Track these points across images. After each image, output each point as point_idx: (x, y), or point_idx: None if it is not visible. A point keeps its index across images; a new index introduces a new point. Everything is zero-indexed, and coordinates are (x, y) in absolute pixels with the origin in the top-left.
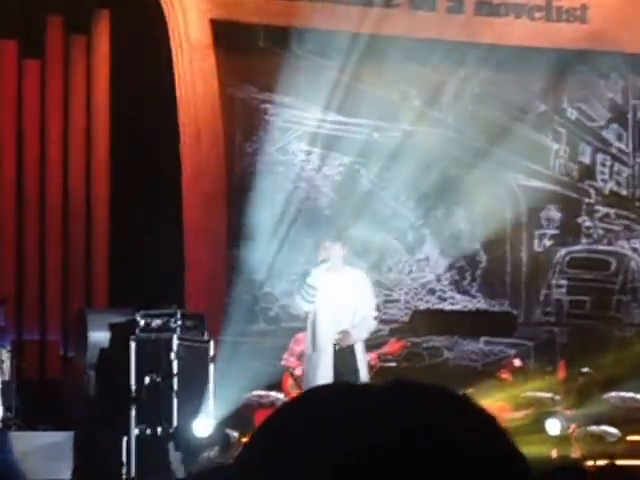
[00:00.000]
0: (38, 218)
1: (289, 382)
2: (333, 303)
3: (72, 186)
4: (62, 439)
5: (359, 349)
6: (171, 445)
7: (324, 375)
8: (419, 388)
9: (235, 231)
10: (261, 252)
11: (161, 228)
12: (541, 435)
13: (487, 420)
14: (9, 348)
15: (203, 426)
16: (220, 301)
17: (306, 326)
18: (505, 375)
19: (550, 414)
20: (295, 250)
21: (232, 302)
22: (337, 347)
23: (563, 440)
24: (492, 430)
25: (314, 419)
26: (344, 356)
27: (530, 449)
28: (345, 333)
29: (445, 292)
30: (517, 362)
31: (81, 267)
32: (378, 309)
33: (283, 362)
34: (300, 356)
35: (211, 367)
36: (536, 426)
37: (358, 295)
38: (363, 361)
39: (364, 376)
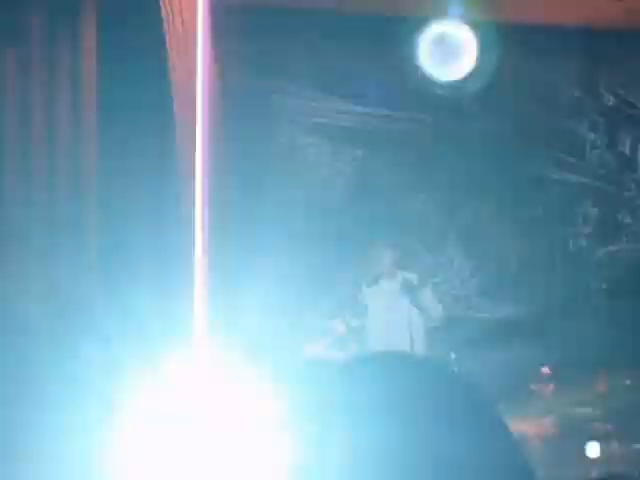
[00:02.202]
0: None
1: None
2: (386, 313)
3: None
4: None
5: None
6: None
7: None
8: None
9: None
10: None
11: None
12: (580, 453)
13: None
14: None
15: None
16: None
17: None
18: (536, 386)
19: (590, 431)
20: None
21: None
22: None
23: (604, 459)
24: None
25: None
26: None
27: (569, 468)
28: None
29: (471, 298)
30: (546, 370)
31: None
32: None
33: None
34: None
35: None
36: (575, 444)
37: (412, 300)
38: None
39: None
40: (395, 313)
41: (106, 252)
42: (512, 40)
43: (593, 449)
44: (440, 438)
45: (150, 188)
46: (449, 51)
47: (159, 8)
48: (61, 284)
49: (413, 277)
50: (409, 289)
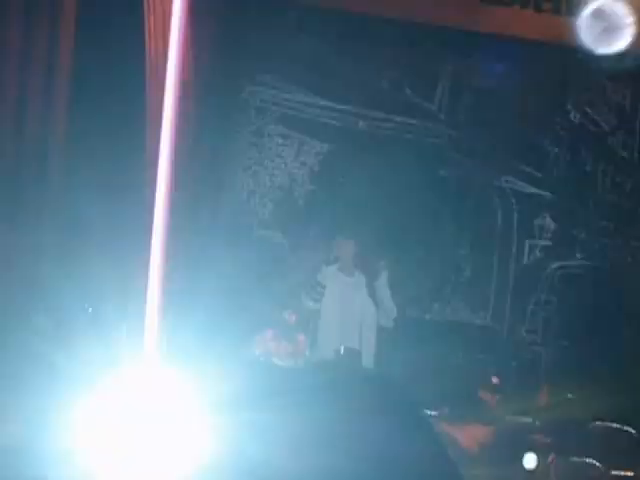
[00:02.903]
0: None
1: None
2: (340, 304)
3: None
4: None
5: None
6: None
7: None
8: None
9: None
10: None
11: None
12: (518, 465)
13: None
14: None
15: None
16: None
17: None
18: (483, 394)
19: (529, 442)
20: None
21: None
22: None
23: (541, 471)
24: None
25: None
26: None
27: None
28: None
29: (424, 301)
30: (495, 380)
31: None
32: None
33: None
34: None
35: None
36: (513, 454)
37: (368, 297)
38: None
39: None
40: (350, 305)
41: (63, 230)
42: (488, 50)
43: (530, 460)
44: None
45: (115, 170)
46: None
47: None
48: (18, 258)
49: (371, 273)
50: (367, 283)
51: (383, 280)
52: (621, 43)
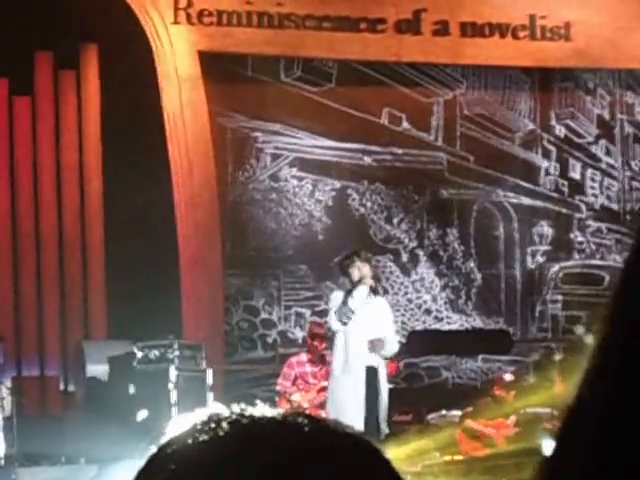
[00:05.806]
0: (34, 254)
1: (285, 407)
2: (364, 325)
3: (66, 221)
4: (65, 474)
5: (382, 373)
6: None
7: (355, 395)
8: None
9: (231, 259)
10: (258, 279)
11: (157, 259)
12: (539, 455)
13: None
14: (9, 385)
15: None
16: (218, 330)
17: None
18: (498, 391)
19: (548, 431)
20: (291, 276)
21: (230, 330)
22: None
23: None
24: None
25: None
26: (370, 379)
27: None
28: (378, 341)
29: (441, 312)
30: (508, 377)
31: (78, 301)
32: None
33: (278, 387)
34: (295, 380)
35: (210, 396)
36: (534, 444)
37: (382, 320)
38: (385, 384)
39: (385, 398)
40: (371, 324)
41: None
42: (473, 80)
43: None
44: None
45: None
46: None
47: (154, 60)
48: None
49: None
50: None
51: (388, 307)
52: None
